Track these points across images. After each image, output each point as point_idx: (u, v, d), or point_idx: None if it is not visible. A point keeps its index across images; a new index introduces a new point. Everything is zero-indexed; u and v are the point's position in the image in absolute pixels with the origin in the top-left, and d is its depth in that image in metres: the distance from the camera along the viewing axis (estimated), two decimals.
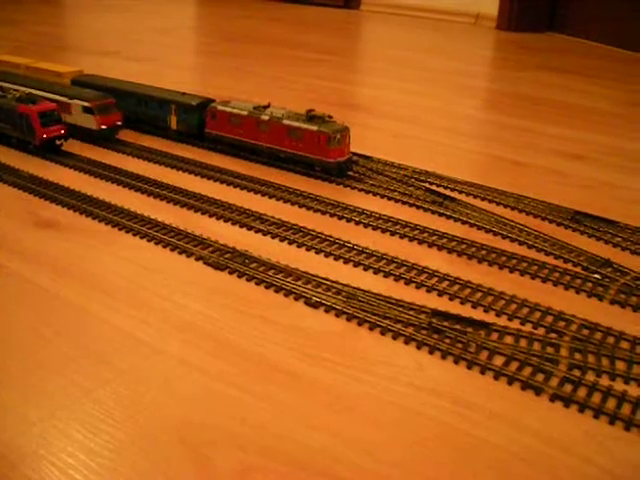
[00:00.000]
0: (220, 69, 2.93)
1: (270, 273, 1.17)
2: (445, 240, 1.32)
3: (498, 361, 0.96)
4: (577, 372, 0.94)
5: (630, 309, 1.12)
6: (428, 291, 1.15)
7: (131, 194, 1.50)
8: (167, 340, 0.99)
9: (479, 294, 1.14)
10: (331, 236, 1.31)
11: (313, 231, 1.33)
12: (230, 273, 1.18)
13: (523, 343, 1.01)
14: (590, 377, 0.93)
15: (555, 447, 0.82)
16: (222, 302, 1.10)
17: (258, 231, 1.34)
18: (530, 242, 1.32)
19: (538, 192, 1.56)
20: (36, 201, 1.45)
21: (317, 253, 1.27)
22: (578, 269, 1.23)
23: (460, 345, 0.99)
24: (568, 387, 0.91)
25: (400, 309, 1.07)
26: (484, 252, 1.28)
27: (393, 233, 1.35)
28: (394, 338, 1.02)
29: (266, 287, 1.14)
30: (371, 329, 1.04)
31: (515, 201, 1.52)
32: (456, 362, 0.97)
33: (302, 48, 3.45)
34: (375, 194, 1.55)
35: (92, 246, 1.27)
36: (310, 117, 1.62)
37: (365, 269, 1.21)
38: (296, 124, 1.60)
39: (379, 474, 0.77)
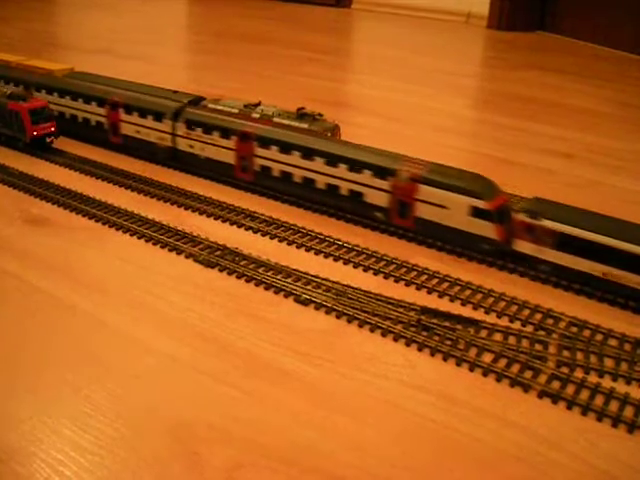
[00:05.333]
0: (211, 67, 2.92)
1: (260, 271, 1.18)
2: None
3: (487, 358, 0.97)
4: (565, 369, 0.95)
5: (618, 307, 1.13)
6: (417, 288, 1.15)
7: (122, 191, 1.50)
8: (157, 337, 1.00)
9: (468, 291, 1.14)
10: (321, 234, 1.31)
11: (303, 229, 1.33)
12: (220, 271, 1.19)
13: (512, 340, 1.01)
14: (578, 374, 0.94)
15: (543, 444, 0.82)
16: (212, 299, 1.10)
17: (248, 229, 1.35)
18: None
19: (527, 190, 1.56)
20: (26, 198, 1.44)
21: (307, 251, 1.27)
22: None
23: (449, 342, 1.00)
24: (556, 384, 0.92)
25: (389, 306, 1.08)
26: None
27: (383, 231, 1.36)
28: (383, 335, 1.02)
29: (256, 284, 1.14)
30: (360, 326, 1.04)
31: None
32: (445, 359, 0.97)
33: (293, 46, 3.45)
34: None
35: (82, 243, 1.27)
36: (300, 115, 1.61)
37: (355, 267, 1.22)
38: (286, 122, 1.60)
39: (368, 470, 0.77)
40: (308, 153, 1.41)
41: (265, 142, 1.47)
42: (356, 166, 1.34)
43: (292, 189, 1.45)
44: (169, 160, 1.66)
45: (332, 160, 1.38)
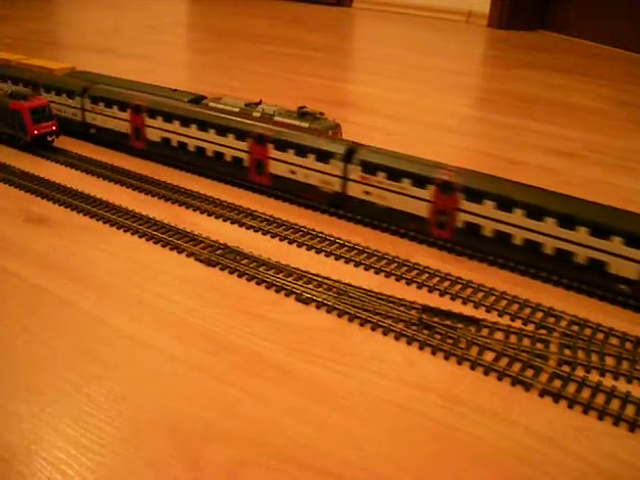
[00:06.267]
0: (212, 66, 2.92)
1: (261, 269, 1.17)
2: None
3: (488, 357, 0.97)
4: (567, 368, 0.95)
5: (619, 305, 1.13)
6: (419, 287, 1.15)
7: (122, 190, 1.50)
8: (158, 336, 1.00)
9: (469, 290, 1.14)
10: (322, 233, 1.31)
11: (304, 228, 1.33)
12: (221, 269, 1.19)
13: (513, 339, 1.01)
14: (580, 373, 0.94)
15: (544, 442, 0.82)
16: (213, 298, 1.10)
17: (249, 228, 1.35)
18: None
19: None
20: (27, 197, 1.44)
21: (308, 250, 1.27)
22: None
23: (450, 341, 1.00)
24: (557, 383, 0.92)
25: (391, 305, 1.08)
26: None
27: (384, 230, 1.36)
28: (385, 334, 1.02)
29: (257, 283, 1.14)
30: (362, 325, 1.04)
31: None
32: (446, 358, 0.97)
33: (294, 45, 3.45)
34: None
35: (83, 242, 1.27)
36: (302, 114, 1.62)
37: (356, 266, 1.22)
38: (287, 121, 1.60)
39: (368, 469, 0.77)
40: (536, 212, 1.17)
41: (476, 195, 1.22)
42: (602, 231, 1.11)
43: (509, 253, 1.22)
44: (333, 206, 1.44)
45: (568, 222, 1.14)
